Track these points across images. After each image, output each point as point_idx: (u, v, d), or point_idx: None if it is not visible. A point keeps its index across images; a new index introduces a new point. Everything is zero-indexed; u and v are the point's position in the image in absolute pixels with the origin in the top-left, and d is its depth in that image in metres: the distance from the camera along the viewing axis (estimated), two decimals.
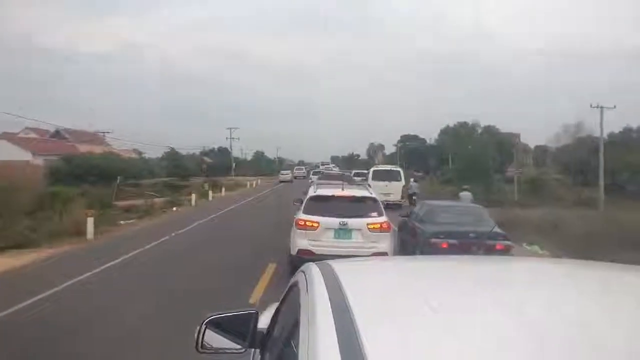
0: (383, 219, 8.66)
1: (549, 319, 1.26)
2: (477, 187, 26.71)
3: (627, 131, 54.43)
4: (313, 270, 1.67)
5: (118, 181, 27.34)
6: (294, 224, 8.89)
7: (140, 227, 16.87)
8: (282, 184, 48.75)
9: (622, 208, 19.87)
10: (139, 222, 17.99)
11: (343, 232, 8.45)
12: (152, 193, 27.13)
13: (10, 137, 42.25)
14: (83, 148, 43.30)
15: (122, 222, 17.33)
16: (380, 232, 8.45)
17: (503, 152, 47.34)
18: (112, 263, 10.24)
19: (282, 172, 58.55)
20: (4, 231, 12.16)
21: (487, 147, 41.84)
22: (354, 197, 8.98)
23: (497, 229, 9.36)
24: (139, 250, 11.81)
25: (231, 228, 16.43)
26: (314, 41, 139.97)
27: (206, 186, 33.07)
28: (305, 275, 1.68)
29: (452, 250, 8.67)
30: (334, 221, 8.47)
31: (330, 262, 1.79)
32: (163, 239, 13.53)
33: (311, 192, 9.27)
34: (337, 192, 9.05)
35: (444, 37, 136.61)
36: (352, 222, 8.45)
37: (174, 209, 22.89)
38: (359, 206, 8.80)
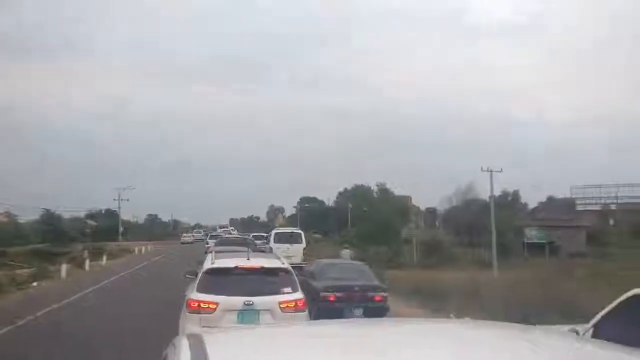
0: (298, 295, 7.16)
1: None
2: (386, 249, 27.34)
3: (505, 195, 59.74)
4: (182, 343, 1.65)
5: None
6: (185, 305, 7.08)
7: None
8: (174, 249, 47.20)
9: (514, 267, 20.83)
10: None
11: (249, 314, 6.80)
12: (15, 263, 23.26)
13: None
14: None
15: None
16: (295, 312, 6.95)
17: (397, 214, 49.22)
18: None
19: (184, 235, 68.34)
20: None
21: (389, 210, 43.32)
22: (262, 268, 7.41)
23: (375, 282, 11.00)
24: None
25: (100, 312, 12.83)
26: (208, 97, 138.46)
27: (85, 254, 29.36)
28: (174, 349, 1.67)
29: (339, 301, 9.98)
30: (237, 301, 6.82)
31: (202, 333, 1.77)
32: None
33: (207, 263, 7.53)
34: (241, 262, 7.46)
35: (340, 97, 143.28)
36: (261, 301, 6.88)
37: (34, 284, 19.02)
38: (269, 280, 7.31)
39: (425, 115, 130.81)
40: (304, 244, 24.00)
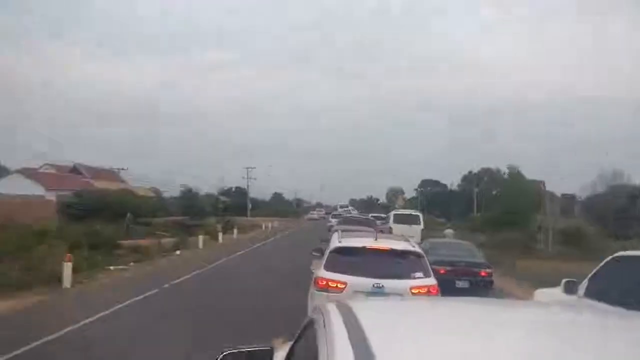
0: (431, 281, 6.67)
1: None
2: (518, 236, 27.27)
3: None
4: (330, 309, 1.68)
5: (127, 219, 26.23)
6: (313, 282, 6.93)
7: (130, 274, 14.77)
8: (300, 226, 50.20)
9: None
10: (132, 268, 15.94)
11: (378, 297, 6.30)
12: (162, 233, 25.79)
13: (31, 172, 42.07)
14: (99, 184, 42.80)
15: (112, 267, 15.50)
16: None
17: (529, 199, 45.34)
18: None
19: (311, 212, 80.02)
20: None
21: (520, 194, 40.59)
22: (392, 250, 6.95)
23: (480, 259, 12.39)
24: (109, 310, 9.40)
25: (234, 281, 14.02)
26: (335, 84, 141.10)
27: (218, 227, 31.61)
28: (322, 314, 1.69)
29: (448, 274, 10.95)
30: (366, 282, 6.45)
31: (348, 301, 1.81)
32: (148, 294, 11.26)
33: (334, 242, 7.31)
34: (369, 243, 7.10)
35: (467, 78, 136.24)
36: (391, 284, 6.42)
37: (177, 252, 21.04)
38: (399, 263, 6.89)
39: (564, 91, 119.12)
40: (422, 226, 24.56)
